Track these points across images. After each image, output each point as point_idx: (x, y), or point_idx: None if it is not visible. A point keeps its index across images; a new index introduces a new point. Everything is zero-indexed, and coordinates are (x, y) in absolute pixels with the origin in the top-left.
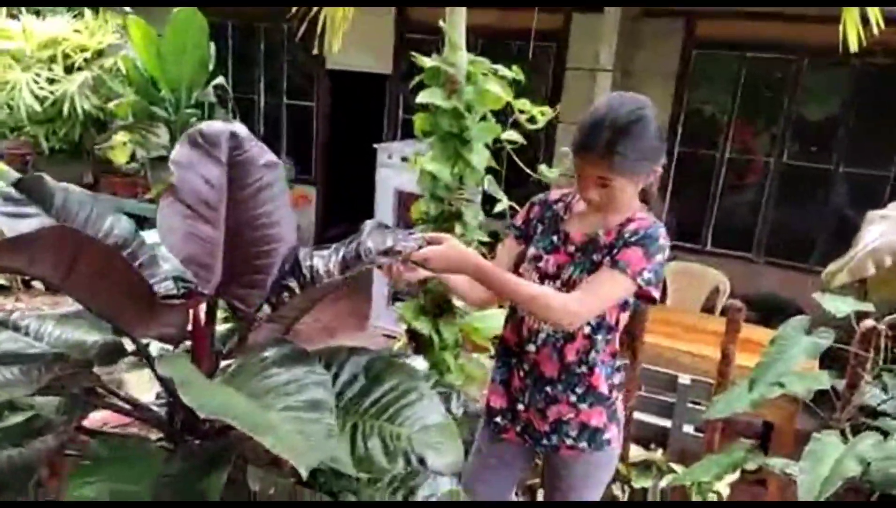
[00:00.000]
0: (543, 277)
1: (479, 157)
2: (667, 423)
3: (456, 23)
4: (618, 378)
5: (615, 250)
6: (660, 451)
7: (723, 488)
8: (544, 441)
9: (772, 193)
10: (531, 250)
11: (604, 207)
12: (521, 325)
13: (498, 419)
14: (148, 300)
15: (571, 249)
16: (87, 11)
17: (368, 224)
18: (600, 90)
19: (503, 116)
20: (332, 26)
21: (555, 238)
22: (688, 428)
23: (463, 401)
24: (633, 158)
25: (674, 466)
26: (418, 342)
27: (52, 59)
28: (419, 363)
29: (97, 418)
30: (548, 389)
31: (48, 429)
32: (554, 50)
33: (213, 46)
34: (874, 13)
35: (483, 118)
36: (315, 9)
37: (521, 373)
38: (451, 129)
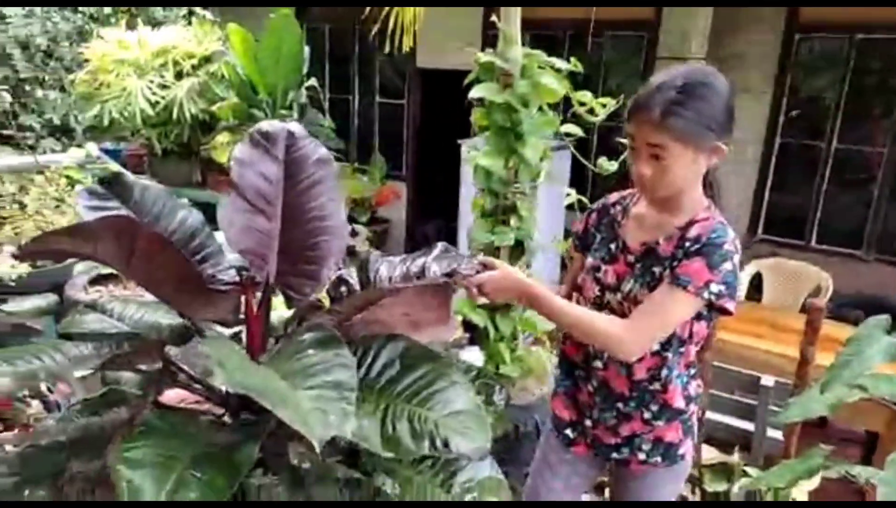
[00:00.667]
0: (604, 289)
1: (534, 150)
2: (750, 426)
3: (511, 18)
4: (694, 389)
5: (675, 263)
6: (736, 455)
7: (802, 495)
8: (614, 455)
9: (884, 186)
10: (589, 260)
11: (657, 187)
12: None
13: (567, 432)
14: (200, 287)
15: (631, 259)
16: (195, 21)
17: (438, 246)
18: None
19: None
20: (404, 26)
21: (612, 246)
22: (775, 433)
23: (505, 394)
24: (692, 122)
25: (750, 470)
26: (473, 334)
27: (164, 67)
28: (475, 355)
29: (173, 395)
30: (619, 405)
31: (123, 402)
32: (645, 39)
33: (307, 50)
34: None
35: (540, 110)
36: (386, 10)
37: (590, 388)
38: (505, 123)
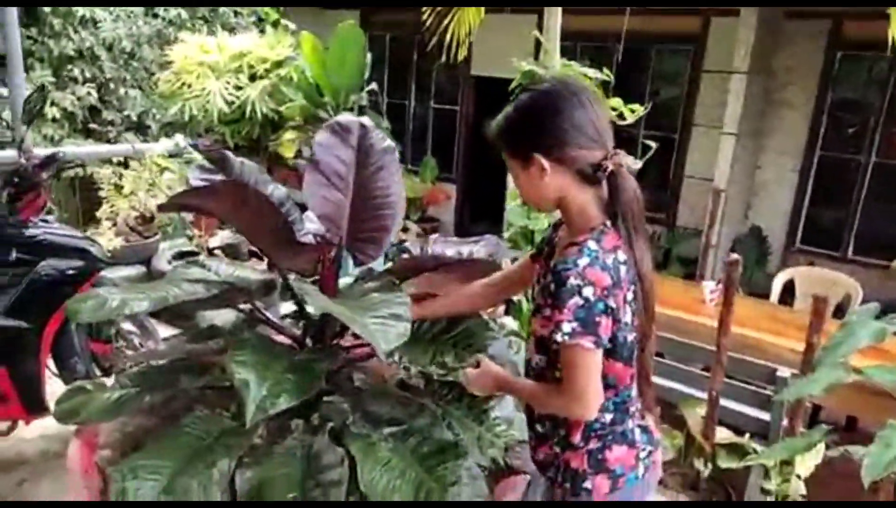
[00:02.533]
0: (532, 305)
1: None
2: (765, 416)
3: (550, 33)
4: (602, 427)
5: (547, 306)
6: (747, 437)
7: (805, 471)
8: (548, 474)
9: None
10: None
11: (531, 203)
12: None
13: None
14: (290, 241)
15: (540, 280)
16: (269, 28)
17: (487, 237)
18: (733, 92)
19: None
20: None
21: (547, 265)
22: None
23: (518, 347)
24: (510, 140)
25: (758, 447)
26: (508, 305)
27: (239, 70)
28: (509, 322)
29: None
30: (537, 427)
31: (220, 335)
32: (691, 53)
33: (369, 56)
34: None
35: None
36: (443, 24)
37: (526, 412)
38: None
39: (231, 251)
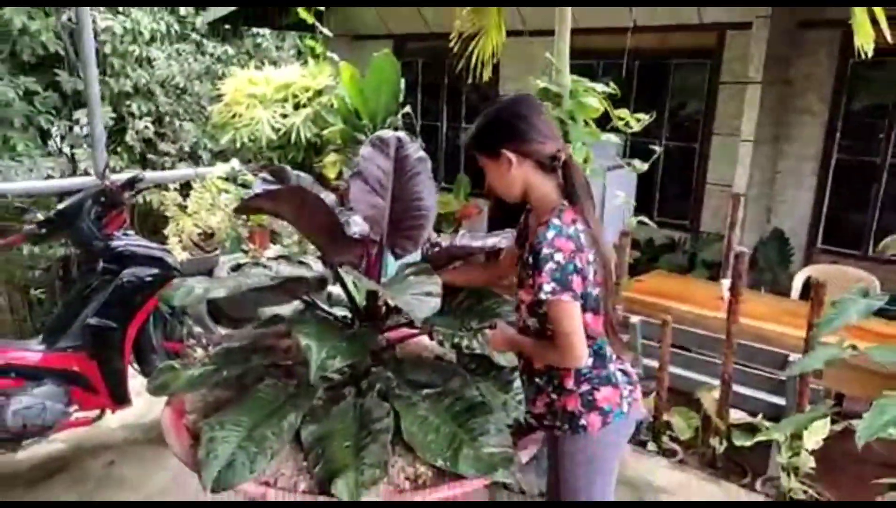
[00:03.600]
0: (518, 281)
1: (578, 154)
2: (780, 400)
3: (561, 54)
4: (589, 371)
5: (529, 274)
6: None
7: (812, 445)
8: (545, 423)
9: None
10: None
11: (498, 193)
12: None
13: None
14: (341, 236)
15: (522, 259)
16: (310, 60)
17: (507, 231)
18: (748, 102)
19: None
20: (484, 61)
21: (524, 247)
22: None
23: None
24: (481, 141)
25: (768, 425)
26: None
27: (285, 99)
28: None
29: None
30: (537, 380)
31: (282, 322)
32: (708, 66)
33: (403, 82)
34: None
35: (586, 124)
36: (470, 47)
37: (525, 374)
38: None
39: (284, 261)
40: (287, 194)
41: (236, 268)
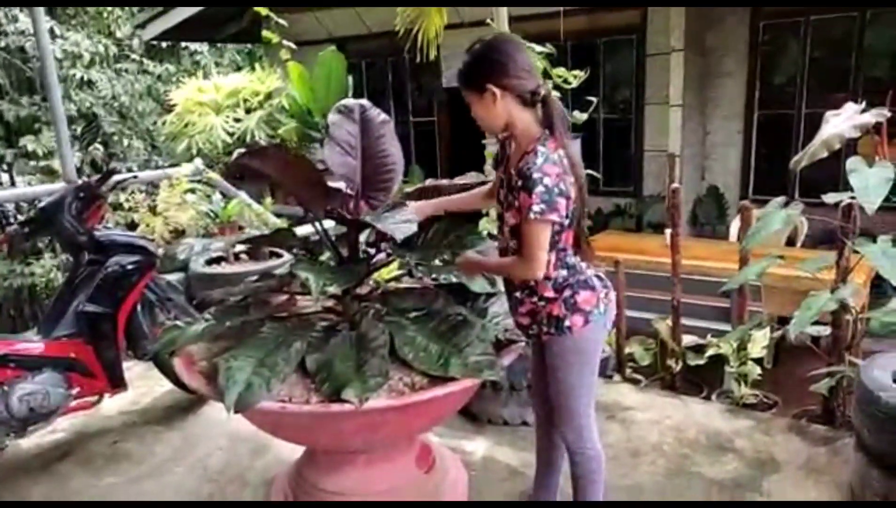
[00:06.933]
0: (500, 196)
1: None
2: (725, 326)
3: (500, 13)
4: (565, 279)
5: (516, 196)
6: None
7: (758, 353)
8: (531, 331)
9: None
10: (497, 180)
11: (484, 125)
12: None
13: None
14: (323, 189)
15: (506, 180)
16: (258, 66)
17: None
18: (674, 71)
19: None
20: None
21: (503, 173)
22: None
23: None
24: (469, 78)
25: (716, 341)
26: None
27: (236, 104)
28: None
29: None
30: (516, 294)
31: (272, 279)
32: (635, 41)
33: (350, 79)
34: None
35: None
36: (416, 29)
37: (508, 288)
38: None
39: (254, 253)
40: (273, 151)
41: (213, 261)
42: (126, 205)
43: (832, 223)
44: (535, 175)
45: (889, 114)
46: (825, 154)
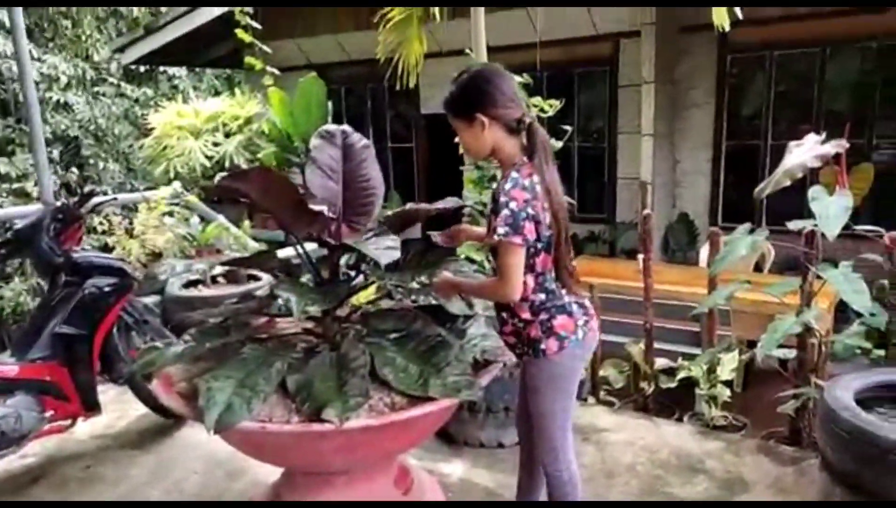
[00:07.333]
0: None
1: None
2: (697, 350)
3: (478, 43)
4: (542, 303)
5: (492, 222)
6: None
7: (726, 375)
8: (516, 352)
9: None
10: None
11: (470, 153)
12: None
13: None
14: (305, 211)
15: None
16: (238, 91)
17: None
18: (645, 101)
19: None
20: (408, 69)
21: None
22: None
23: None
24: (455, 107)
25: (687, 364)
26: None
27: (215, 129)
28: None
29: None
30: (503, 315)
31: (254, 300)
32: (608, 72)
33: (330, 105)
34: None
35: None
36: (396, 57)
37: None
38: None
39: (232, 277)
40: (256, 174)
41: (190, 284)
42: (100, 228)
43: (797, 250)
44: (503, 199)
45: (847, 145)
46: (788, 183)
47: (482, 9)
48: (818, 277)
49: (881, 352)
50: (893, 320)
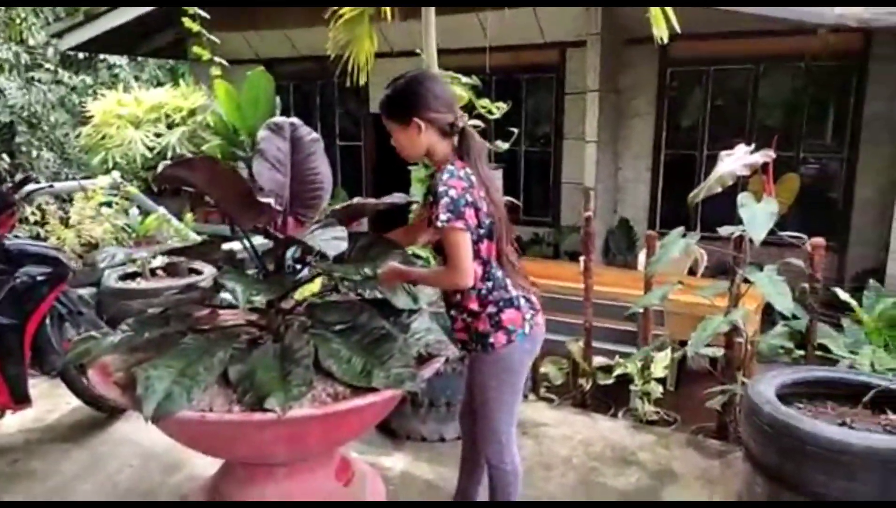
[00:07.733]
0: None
1: None
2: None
3: (429, 45)
4: (490, 295)
5: (433, 214)
6: (617, 357)
7: (660, 372)
8: (467, 348)
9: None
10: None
11: (403, 153)
12: None
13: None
14: (252, 202)
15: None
16: (182, 82)
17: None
18: (589, 109)
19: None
20: (359, 66)
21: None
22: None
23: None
24: (390, 109)
25: (623, 362)
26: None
27: (158, 120)
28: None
29: None
30: (451, 311)
31: (196, 290)
32: (554, 79)
33: (278, 100)
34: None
35: None
36: (347, 55)
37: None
38: None
39: (172, 270)
40: (202, 163)
41: (127, 277)
42: (32, 218)
43: (728, 254)
44: (441, 188)
45: (774, 155)
46: (719, 189)
47: (433, 10)
48: (745, 279)
49: (801, 352)
50: (813, 322)
